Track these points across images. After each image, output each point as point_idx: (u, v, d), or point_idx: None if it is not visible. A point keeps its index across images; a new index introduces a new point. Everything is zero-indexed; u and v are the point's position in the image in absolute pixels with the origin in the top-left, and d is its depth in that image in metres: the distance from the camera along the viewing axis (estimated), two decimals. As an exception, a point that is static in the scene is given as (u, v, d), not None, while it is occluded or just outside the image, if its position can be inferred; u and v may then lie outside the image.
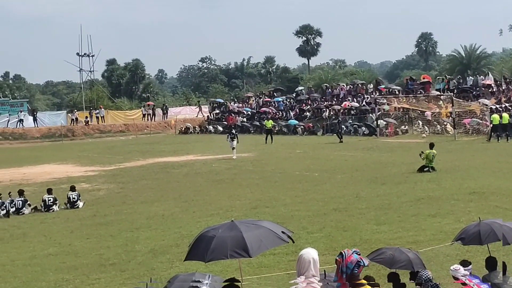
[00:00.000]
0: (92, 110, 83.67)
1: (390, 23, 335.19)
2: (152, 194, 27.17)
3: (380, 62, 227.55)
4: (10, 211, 24.10)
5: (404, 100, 58.73)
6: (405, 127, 54.96)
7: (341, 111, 63.04)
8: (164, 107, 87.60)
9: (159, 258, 15.90)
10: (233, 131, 43.43)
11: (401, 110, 58.26)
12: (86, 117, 79.46)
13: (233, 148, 40.73)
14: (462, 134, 47.66)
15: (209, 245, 9.15)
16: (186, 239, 17.21)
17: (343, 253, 8.14)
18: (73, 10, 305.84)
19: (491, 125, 43.87)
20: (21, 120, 75.50)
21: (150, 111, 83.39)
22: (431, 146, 29.42)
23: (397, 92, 63.99)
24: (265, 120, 58.34)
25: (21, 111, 77.90)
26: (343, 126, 58.57)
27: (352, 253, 8.13)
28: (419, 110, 55.45)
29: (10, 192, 25.44)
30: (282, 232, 9.78)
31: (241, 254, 9.01)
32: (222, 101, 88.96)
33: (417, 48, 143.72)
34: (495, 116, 43.54)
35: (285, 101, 75.94)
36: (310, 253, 7.84)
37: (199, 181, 30.55)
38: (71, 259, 16.44)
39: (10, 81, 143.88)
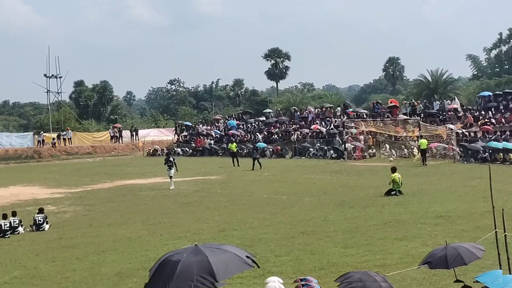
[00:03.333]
0: (61, 132, 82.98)
1: (358, 48, 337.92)
2: (119, 217, 26.96)
3: (348, 86, 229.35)
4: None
5: (372, 123, 59.08)
6: (372, 150, 55.29)
7: (309, 134, 63.31)
8: (134, 129, 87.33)
9: (125, 281, 15.75)
10: (171, 158, 38.67)
11: (370, 133, 58.59)
12: (53, 139, 78.83)
13: (171, 177, 37.49)
14: (428, 158, 47.99)
15: (174, 270, 9.00)
16: (153, 262, 16.93)
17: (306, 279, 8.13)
18: (41, 31, 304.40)
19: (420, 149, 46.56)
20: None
21: (118, 133, 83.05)
22: (393, 170, 29.63)
23: (364, 116, 64.41)
24: (230, 144, 58.43)
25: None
26: (311, 149, 58.87)
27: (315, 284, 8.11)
28: (387, 134, 55.81)
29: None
30: (247, 256, 9.73)
31: (208, 279, 8.90)
32: (190, 124, 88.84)
33: (384, 73, 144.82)
34: (423, 141, 46.16)
35: (253, 124, 76.09)
36: (275, 281, 7.83)
37: (167, 204, 30.41)
38: (37, 283, 16.22)
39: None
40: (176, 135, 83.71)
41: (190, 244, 10.12)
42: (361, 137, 57.35)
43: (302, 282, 8.33)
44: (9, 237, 23.66)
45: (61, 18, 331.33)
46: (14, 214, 24.77)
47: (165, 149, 77.49)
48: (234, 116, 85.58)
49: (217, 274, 8.87)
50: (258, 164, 47.89)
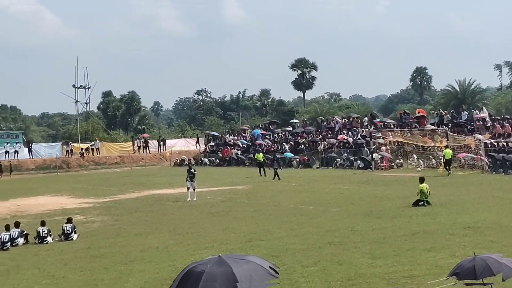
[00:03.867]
0: (90, 143, 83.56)
1: (385, 57, 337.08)
2: (146, 227, 27.06)
3: (375, 96, 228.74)
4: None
5: (399, 134, 58.81)
6: (400, 160, 55.00)
7: (336, 144, 63.19)
8: (161, 139, 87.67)
9: (153, 291, 15.80)
10: (192, 169, 37.48)
11: (396, 144, 58.33)
12: (81, 149, 79.40)
13: (194, 189, 36.46)
14: (456, 168, 47.69)
15: (198, 281, 9.03)
16: (179, 272, 17.13)
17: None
18: (70, 42, 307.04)
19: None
20: (16, 152, 75.40)
21: (143, 143, 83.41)
22: (422, 180, 29.46)
23: (392, 126, 64.13)
24: (256, 154, 58.43)
25: (16, 143, 77.81)
26: (337, 159, 58.70)
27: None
28: (414, 144, 55.54)
29: (7, 225, 25.34)
30: (270, 267, 9.72)
31: None
32: (217, 134, 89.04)
33: (412, 83, 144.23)
34: (447, 151, 46.16)
35: (280, 134, 76.08)
36: None
37: (194, 214, 30.46)
38: (65, 292, 16.33)
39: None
40: (198, 145, 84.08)
41: (215, 255, 10.12)
42: (388, 147, 57.13)
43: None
44: (47, 242, 23.91)
45: (90, 29, 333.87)
46: (42, 223, 24.95)
47: (192, 159, 77.82)
48: (260, 126, 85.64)
49: (240, 285, 8.88)
50: (277, 176, 47.69)
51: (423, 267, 16.61)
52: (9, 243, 23.85)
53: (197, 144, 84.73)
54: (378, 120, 69.27)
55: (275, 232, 23.58)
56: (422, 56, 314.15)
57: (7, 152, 75.10)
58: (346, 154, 59.73)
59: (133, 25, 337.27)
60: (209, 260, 9.75)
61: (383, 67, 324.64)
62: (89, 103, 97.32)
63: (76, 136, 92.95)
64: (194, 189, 36.35)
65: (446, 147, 48.65)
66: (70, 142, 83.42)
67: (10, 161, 72.04)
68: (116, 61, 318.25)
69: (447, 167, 45.75)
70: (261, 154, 56.10)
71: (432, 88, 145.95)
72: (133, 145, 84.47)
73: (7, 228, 24.51)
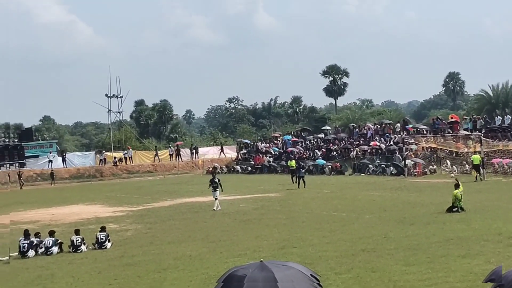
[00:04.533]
0: (124, 151, 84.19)
1: (417, 63, 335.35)
2: (179, 235, 27.15)
3: (407, 101, 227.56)
4: (39, 252, 24.29)
5: (432, 139, 58.39)
6: (433, 166, 54.60)
7: (368, 150, 62.93)
8: (193, 147, 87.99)
9: (187, 299, 15.83)
10: (216, 179, 37.01)
11: (429, 149, 57.93)
12: (115, 158, 79.99)
13: (216, 199, 35.98)
14: (491, 174, 47.26)
15: (241, 285, 9.11)
16: (213, 280, 17.13)
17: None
18: (102, 51, 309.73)
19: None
20: (50, 161, 76.20)
21: (176, 152, 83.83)
22: (456, 186, 29.20)
23: (424, 132, 63.71)
24: (289, 161, 58.38)
25: (50, 152, 78.65)
26: (370, 166, 58.43)
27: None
28: (448, 150, 55.11)
29: (39, 233, 25.63)
30: (311, 275, 9.76)
31: None
32: (249, 141, 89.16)
33: (444, 88, 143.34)
34: (476, 157, 46.71)
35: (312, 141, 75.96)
36: None
37: (226, 221, 30.51)
38: (99, 300, 16.43)
39: (40, 122, 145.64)
40: (222, 153, 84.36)
41: (251, 261, 10.18)
42: (421, 153, 56.77)
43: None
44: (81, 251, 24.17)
45: (122, 38, 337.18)
46: (76, 232, 25.15)
47: (224, 166, 77.99)
48: (292, 133, 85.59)
49: (281, 286, 8.92)
50: (303, 183, 47.09)
51: (457, 273, 16.47)
52: (30, 251, 24.13)
53: (221, 153, 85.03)
54: (410, 126, 68.83)
55: (308, 239, 23.53)
56: (454, 61, 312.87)
57: (50, 161, 76.01)
58: (378, 161, 59.45)
59: (165, 34, 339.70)
60: (250, 265, 9.81)
61: (415, 73, 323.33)
62: (121, 112, 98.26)
63: (109, 145, 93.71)
64: (216, 198, 35.88)
65: (474, 152, 48.84)
66: (103, 151, 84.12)
67: (52, 170, 72.98)
68: (148, 70, 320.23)
69: (478, 172, 45.79)
70: (293, 161, 56.01)
71: (465, 93, 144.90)
72: (156, 155, 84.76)
73: (26, 235, 24.74)
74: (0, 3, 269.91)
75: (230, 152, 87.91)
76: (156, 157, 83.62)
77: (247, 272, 9.29)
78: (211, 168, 76.42)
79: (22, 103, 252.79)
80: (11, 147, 76.75)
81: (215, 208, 35.25)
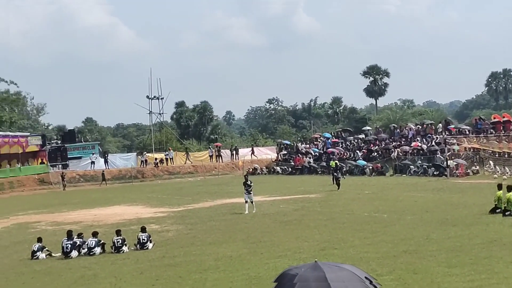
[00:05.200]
0: (165, 152, 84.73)
1: (459, 63, 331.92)
2: (220, 235, 27.22)
3: (449, 101, 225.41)
4: (82, 252, 24.55)
5: (475, 140, 57.74)
6: (475, 167, 53.97)
7: (410, 151, 62.47)
8: (234, 148, 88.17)
9: (228, 300, 15.86)
10: (248, 182, 35.76)
11: (472, 150, 57.29)
12: (155, 159, 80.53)
13: (252, 202, 35.41)
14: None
15: (292, 285, 9.18)
16: (254, 281, 17.18)
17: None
18: (143, 54, 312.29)
19: None
20: (93, 162, 76.98)
21: (216, 152, 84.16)
22: (500, 187, 28.81)
23: (467, 132, 63.02)
24: (331, 161, 58.17)
25: (93, 154, 79.45)
26: (411, 166, 57.97)
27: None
28: (490, 150, 54.44)
29: (82, 234, 25.92)
30: (365, 277, 9.73)
31: None
32: (289, 142, 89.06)
33: (487, 88, 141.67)
34: None
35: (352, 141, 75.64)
36: None
37: (267, 222, 30.50)
38: (141, 300, 16.53)
39: (82, 124, 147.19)
40: (253, 155, 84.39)
41: (292, 263, 10.24)
42: (464, 153, 56.18)
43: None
44: (123, 252, 24.41)
45: (163, 41, 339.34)
46: (118, 233, 25.35)
47: (264, 167, 78.05)
48: (332, 134, 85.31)
49: (333, 285, 8.93)
50: (338, 184, 46.24)
51: (500, 275, 16.27)
52: (73, 252, 24.39)
53: (252, 154, 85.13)
54: (452, 126, 68.14)
55: (349, 241, 23.43)
56: (497, 61, 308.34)
57: (92, 162, 76.87)
58: (420, 161, 58.96)
59: (205, 36, 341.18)
60: (305, 264, 9.92)
61: (457, 73, 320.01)
62: (162, 113, 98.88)
63: (150, 146, 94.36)
64: (252, 201, 35.42)
65: None
66: (145, 152, 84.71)
67: (103, 171, 74.22)
68: (188, 71, 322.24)
69: None
70: (335, 161, 55.77)
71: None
72: (187, 156, 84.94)
73: (69, 236, 25.03)
74: (44, 7, 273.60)
75: (270, 153, 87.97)
76: (187, 159, 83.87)
77: (299, 271, 9.39)
78: (251, 169, 76.64)
79: (65, 105, 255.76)
80: (54, 149, 77.77)
81: (249, 211, 34.65)
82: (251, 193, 35.45)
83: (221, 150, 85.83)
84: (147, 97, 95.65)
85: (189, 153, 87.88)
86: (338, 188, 45.55)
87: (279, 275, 9.65)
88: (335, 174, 48.18)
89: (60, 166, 75.33)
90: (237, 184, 57.79)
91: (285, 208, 36.36)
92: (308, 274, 9.22)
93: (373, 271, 17.76)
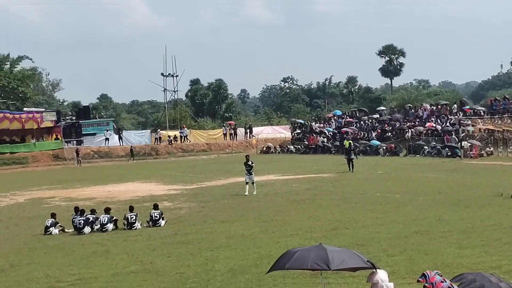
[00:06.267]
0: (179, 130, 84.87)
1: (477, 43, 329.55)
2: (232, 214, 27.31)
3: (465, 82, 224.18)
4: (94, 228, 24.71)
5: (489, 121, 57.47)
6: (490, 148, 53.74)
7: (424, 132, 62.26)
8: (248, 126, 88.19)
9: (238, 278, 15.93)
10: (249, 162, 34.59)
11: (486, 131, 57.04)
12: (169, 136, 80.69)
13: (253, 183, 34.24)
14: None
15: (292, 256, 9.40)
16: (265, 259, 17.25)
17: (426, 274, 8.13)
18: (159, 31, 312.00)
19: None
20: (107, 139, 77.24)
21: (232, 131, 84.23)
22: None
23: (482, 113, 62.70)
24: (345, 141, 57.99)
25: (107, 130, 79.69)
26: (425, 147, 57.78)
27: (435, 274, 8.10)
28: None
29: (94, 210, 26.08)
30: (368, 260, 9.87)
31: (321, 266, 9.18)
32: (303, 121, 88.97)
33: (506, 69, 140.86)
34: None
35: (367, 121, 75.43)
36: (380, 275, 7.89)
37: (279, 201, 30.55)
38: (152, 278, 16.62)
39: (97, 101, 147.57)
40: (249, 133, 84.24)
41: (303, 242, 10.48)
42: (478, 134, 55.94)
43: (425, 283, 8.28)
44: (135, 228, 24.62)
45: (178, 18, 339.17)
46: (131, 209, 25.46)
47: (277, 146, 78.07)
48: (347, 113, 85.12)
49: (331, 262, 9.12)
50: (351, 166, 44.77)
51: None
52: (86, 228, 24.55)
53: (250, 135, 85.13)
54: (467, 107, 67.80)
55: (361, 221, 23.45)
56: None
57: (107, 139, 77.17)
58: (434, 142, 58.75)
59: (221, 14, 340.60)
60: (310, 246, 10.18)
61: (474, 53, 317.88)
62: (177, 91, 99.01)
63: (164, 124, 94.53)
64: (253, 182, 34.24)
65: None
66: (159, 130, 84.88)
67: (132, 147, 75.15)
68: (203, 49, 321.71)
69: None
70: (349, 141, 55.54)
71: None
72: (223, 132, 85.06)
73: (81, 212, 25.17)
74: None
75: (284, 132, 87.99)
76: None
77: (302, 248, 9.73)
78: (265, 148, 76.73)
79: (80, 81, 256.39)
80: (68, 125, 78.08)
81: (249, 193, 33.59)
82: (252, 174, 34.40)
83: (237, 128, 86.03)
84: (162, 74, 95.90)
85: (207, 130, 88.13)
86: (352, 170, 44.20)
87: (283, 254, 9.92)
88: (348, 156, 46.03)
89: (75, 142, 75.67)
90: (251, 162, 57.87)
91: (298, 187, 36.40)
92: (310, 251, 9.48)
93: (384, 251, 17.82)
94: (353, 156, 45.66)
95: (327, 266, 9.22)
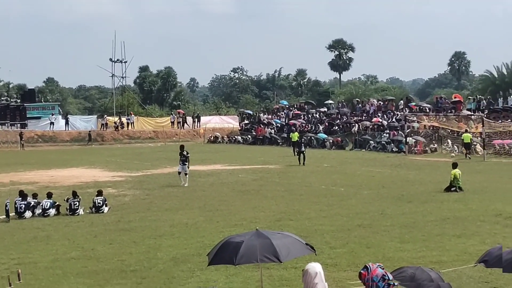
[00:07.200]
0: (126, 117, 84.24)
1: (424, 41, 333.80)
2: (177, 202, 27.19)
3: (412, 79, 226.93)
4: (36, 213, 24.33)
5: (434, 118, 58.29)
6: (434, 145, 54.49)
7: (370, 126, 62.88)
8: (196, 115, 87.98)
9: (180, 267, 15.85)
10: (184, 152, 33.92)
11: (431, 128, 57.85)
12: (115, 123, 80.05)
13: (186, 174, 33.39)
14: (491, 155, 47.21)
15: (238, 249, 9.29)
16: (208, 249, 17.12)
17: (368, 266, 8.16)
18: (109, 17, 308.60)
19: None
20: (52, 123, 76.20)
21: (180, 119, 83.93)
22: (455, 166, 29.13)
23: (427, 110, 63.56)
24: (291, 133, 58.20)
25: (52, 114, 78.63)
26: (371, 142, 58.36)
27: (377, 267, 8.14)
28: (449, 129, 54.98)
29: (36, 194, 25.69)
30: (306, 244, 9.89)
31: (271, 259, 9.15)
32: (251, 112, 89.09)
33: (449, 67, 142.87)
34: (466, 135, 48.59)
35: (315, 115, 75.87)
36: (314, 267, 7.89)
37: (225, 191, 30.53)
38: (93, 264, 16.45)
39: (43, 84, 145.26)
40: (185, 124, 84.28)
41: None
42: (423, 131, 56.72)
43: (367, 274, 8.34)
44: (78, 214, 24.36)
45: (129, 4, 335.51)
46: (74, 194, 25.17)
47: (225, 136, 78.05)
48: (296, 106, 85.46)
49: (280, 255, 9.08)
50: (303, 159, 43.82)
51: (452, 253, 16.47)
52: (27, 212, 24.14)
53: (184, 124, 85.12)
54: (413, 104, 68.64)
55: (305, 213, 23.55)
56: (461, 41, 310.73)
57: (52, 123, 76.08)
58: (380, 137, 59.35)
59: (173, 1, 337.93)
60: (247, 233, 10.06)
61: (421, 51, 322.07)
62: (125, 77, 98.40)
63: (111, 110, 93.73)
64: (186, 173, 33.45)
65: (466, 131, 50.05)
66: (105, 116, 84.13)
67: (90, 131, 74.89)
68: (154, 36, 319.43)
69: (467, 150, 47.35)
70: (296, 133, 55.80)
71: (471, 73, 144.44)
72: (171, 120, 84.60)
73: (22, 196, 24.73)
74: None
75: (233, 122, 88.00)
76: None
77: (243, 238, 9.51)
78: (212, 137, 76.64)
79: (27, 64, 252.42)
80: (12, 108, 76.73)
81: (185, 184, 32.98)
82: (185, 164, 33.51)
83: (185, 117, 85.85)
84: (111, 60, 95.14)
85: (155, 117, 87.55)
86: (303, 163, 43.37)
87: (221, 244, 9.71)
88: (299, 148, 45.46)
89: (19, 125, 74.44)
90: (198, 151, 57.84)
91: (244, 177, 36.43)
92: (254, 241, 9.35)
93: (326, 243, 17.93)
94: (303, 149, 44.86)
95: (277, 259, 9.19)
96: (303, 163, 43.47)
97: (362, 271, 8.15)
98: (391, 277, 8.34)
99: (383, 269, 8.19)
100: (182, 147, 35.14)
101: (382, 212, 23.14)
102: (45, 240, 19.72)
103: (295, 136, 53.77)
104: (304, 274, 7.89)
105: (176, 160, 43.70)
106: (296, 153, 46.67)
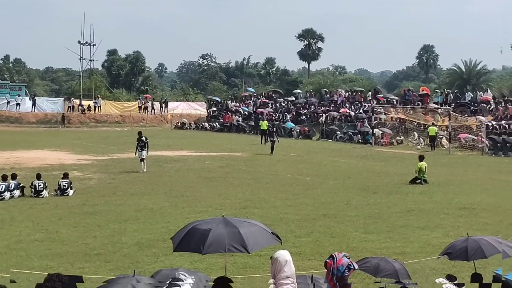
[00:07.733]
0: (93, 100, 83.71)
1: (393, 33, 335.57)
2: (142, 187, 27.11)
3: (380, 71, 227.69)
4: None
5: (402, 110, 58.69)
6: (400, 137, 54.89)
7: (338, 117, 63.13)
8: (163, 101, 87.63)
9: (145, 252, 15.83)
10: (143, 138, 33.49)
11: (398, 120, 58.24)
12: (82, 105, 79.48)
13: (142, 159, 32.87)
14: (457, 148, 47.70)
15: (205, 238, 9.19)
16: (173, 234, 17.15)
17: (334, 256, 8.19)
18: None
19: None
20: (18, 104, 75.38)
21: (149, 104, 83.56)
22: (421, 158, 29.42)
23: (395, 102, 63.97)
24: (261, 121, 58.22)
25: (18, 95, 77.76)
26: (338, 132, 58.62)
27: (343, 256, 8.18)
28: (416, 122, 55.40)
29: (4, 175, 25.42)
30: (272, 232, 9.89)
31: (239, 250, 9.10)
32: (219, 99, 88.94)
33: (418, 60, 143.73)
34: (432, 128, 49.53)
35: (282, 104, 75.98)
36: (284, 255, 7.88)
37: (191, 177, 30.49)
38: (57, 246, 16.35)
39: (10, 65, 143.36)
40: (152, 110, 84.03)
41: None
42: (390, 123, 57.13)
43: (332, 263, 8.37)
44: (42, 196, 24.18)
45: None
46: (38, 177, 24.96)
47: (192, 122, 77.86)
48: (263, 94, 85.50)
49: (248, 245, 9.05)
50: (272, 148, 43.46)
51: (415, 244, 16.62)
52: (6, 193, 23.89)
53: (151, 109, 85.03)
54: (381, 95, 69.04)
55: (270, 201, 23.60)
56: (430, 34, 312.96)
57: (7, 103, 75.18)
58: (346, 128, 59.66)
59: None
60: (213, 219, 9.98)
61: (390, 43, 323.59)
62: (93, 60, 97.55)
63: (78, 93, 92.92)
64: (143, 159, 32.89)
65: (432, 124, 50.86)
66: (72, 98, 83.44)
67: (63, 114, 74.75)
68: (123, 20, 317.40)
69: (432, 143, 48.39)
70: (265, 122, 55.82)
71: (438, 66, 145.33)
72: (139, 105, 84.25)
73: (4, 178, 24.52)
74: None
75: (200, 109, 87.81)
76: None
77: (211, 226, 9.41)
78: (179, 123, 76.42)
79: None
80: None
81: (144, 169, 32.54)
82: (144, 150, 33.01)
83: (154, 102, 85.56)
84: (79, 42, 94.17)
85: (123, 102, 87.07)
86: (271, 153, 43.02)
87: (187, 230, 9.62)
88: (270, 137, 45.52)
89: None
90: (164, 137, 57.73)
91: (210, 164, 36.39)
92: (221, 229, 9.29)
93: (291, 232, 17.99)
94: (274, 138, 44.51)
95: (245, 250, 9.15)
96: (271, 152, 43.24)
97: (327, 260, 8.18)
98: (356, 266, 8.39)
99: (348, 258, 8.22)
100: (140, 133, 34.56)
101: (347, 203, 23.27)
102: (9, 222, 19.55)
103: (264, 124, 53.79)
104: (273, 262, 7.86)
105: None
106: (265, 142, 46.79)
